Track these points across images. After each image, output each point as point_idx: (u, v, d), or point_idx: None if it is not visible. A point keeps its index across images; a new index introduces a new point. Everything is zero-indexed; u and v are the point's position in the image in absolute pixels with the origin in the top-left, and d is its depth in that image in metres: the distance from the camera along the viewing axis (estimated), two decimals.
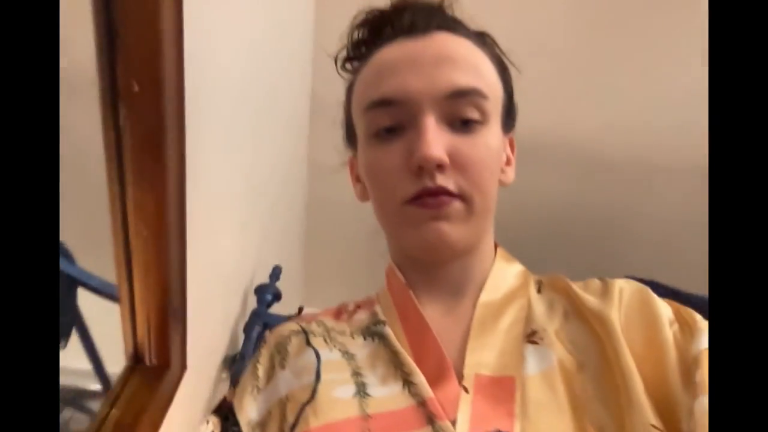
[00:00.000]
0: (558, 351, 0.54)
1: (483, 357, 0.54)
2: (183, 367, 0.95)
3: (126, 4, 0.59)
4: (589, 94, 2.13)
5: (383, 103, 0.56)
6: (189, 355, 0.98)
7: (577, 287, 0.61)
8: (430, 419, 0.50)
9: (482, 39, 0.62)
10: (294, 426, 0.53)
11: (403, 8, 0.61)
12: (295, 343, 0.62)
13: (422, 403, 0.51)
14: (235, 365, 1.46)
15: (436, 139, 0.53)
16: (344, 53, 0.66)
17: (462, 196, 0.55)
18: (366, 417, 0.52)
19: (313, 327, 0.64)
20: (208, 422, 0.60)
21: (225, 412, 0.60)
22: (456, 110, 0.55)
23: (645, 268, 1.79)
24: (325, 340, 0.61)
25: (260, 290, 1.61)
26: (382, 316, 0.61)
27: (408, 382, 0.54)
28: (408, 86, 0.55)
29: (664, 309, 0.56)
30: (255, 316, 1.56)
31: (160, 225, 0.73)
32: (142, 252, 0.74)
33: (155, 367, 0.86)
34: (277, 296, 1.63)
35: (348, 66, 0.67)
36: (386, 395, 0.53)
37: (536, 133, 2.19)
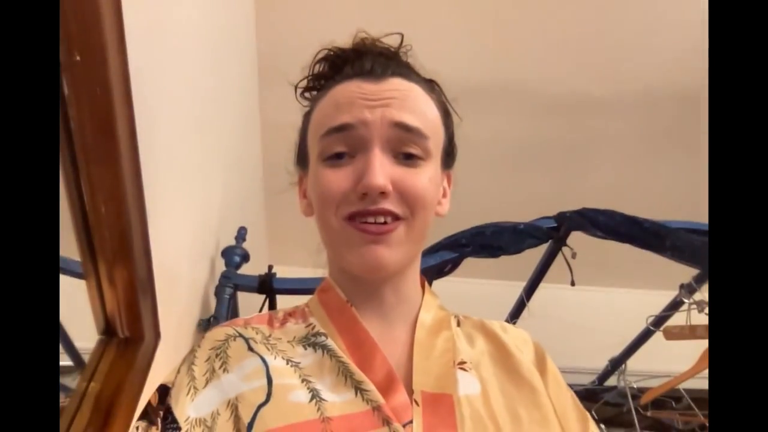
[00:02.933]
0: (481, 384, 0.63)
1: (426, 376, 0.61)
2: (156, 336, 0.96)
3: None
4: (541, 37, 2.13)
5: (339, 130, 0.62)
6: (162, 325, 0.98)
7: (497, 329, 0.71)
8: (386, 422, 0.55)
9: (431, 86, 0.70)
10: (251, 426, 0.55)
11: (364, 53, 0.68)
12: (234, 347, 0.63)
13: (377, 408, 0.57)
14: (209, 328, 1.47)
15: (382, 170, 0.60)
16: (304, 83, 0.73)
17: (404, 219, 0.62)
18: (325, 419, 0.55)
19: (251, 333, 0.65)
20: (137, 429, 0.60)
21: (152, 416, 0.61)
22: (401, 145, 0.62)
23: (602, 195, 1.85)
24: (267, 348, 0.63)
25: (227, 252, 1.61)
26: (320, 329, 0.65)
27: (360, 390, 0.58)
28: (363, 118, 0.62)
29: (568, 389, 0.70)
30: (225, 278, 1.57)
31: (118, 200, 0.72)
32: (101, 228, 0.73)
33: (128, 340, 0.87)
34: (245, 257, 1.63)
35: (307, 95, 0.73)
36: (341, 401, 0.57)
37: (497, 78, 2.21)
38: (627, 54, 2.16)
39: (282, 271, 1.64)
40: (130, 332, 0.86)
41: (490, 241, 1.61)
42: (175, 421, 0.58)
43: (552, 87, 2.24)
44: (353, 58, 0.68)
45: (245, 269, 1.63)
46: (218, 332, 0.66)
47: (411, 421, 0.56)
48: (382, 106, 0.62)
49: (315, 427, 0.55)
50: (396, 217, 0.61)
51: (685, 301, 1.78)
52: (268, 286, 1.57)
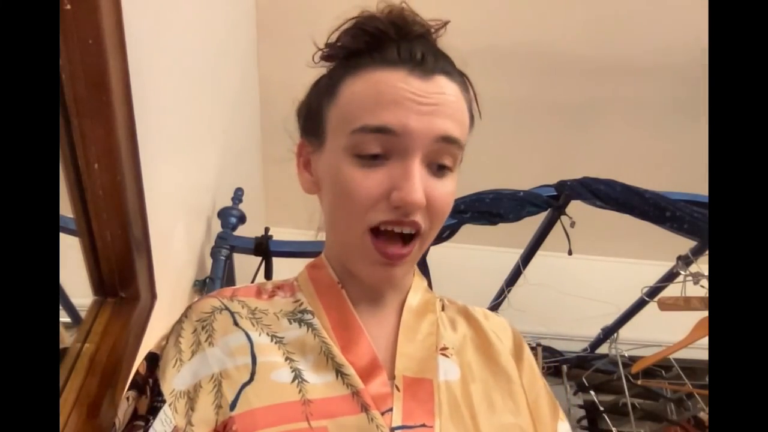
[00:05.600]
0: (461, 371, 0.63)
1: (409, 361, 0.61)
2: (152, 297, 0.94)
3: None
4: None
5: (380, 131, 0.57)
6: (158, 285, 0.97)
7: (479, 316, 0.72)
8: (364, 408, 0.55)
9: (464, 84, 0.65)
10: (234, 404, 0.56)
11: (411, 38, 0.61)
12: (220, 320, 0.63)
13: (356, 393, 0.57)
14: (205, 289, 1.47)
15: (420, 184, 0.57)
16: (327, 50, 0.66)
17: (422, 233, 0.60)
18: (306, 402, 0.56)
19: (237, 307, 0.65)
20: (128, 399, 0.61)
21: (141, 386, 0.62)
22: (437, 156, 0.59)
23: (604, 164, 1.83)
24: (252, 323, 0.63)
25: (224, 213, 1.60)
26: (307, 306, 0.65)
27: (341, 374, 0.58)
28: (409, 124, 0.57)
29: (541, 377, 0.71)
30: (221, 239, 1.55)
31: (111, 156, 0.70)
32: (94, 185, 0.71)
33: (124, 300, 0.86)
34: (242, 219, 1.62)
35: (328, 60, 0.66)
36: (322, 383, 0.58)
37: (502, 39, 2.16)
38: (636, 19, 2.11)
39: (278, 233, 1.63)
40: (125, 292, 0.85)
41: (489, 207, 1.60)
42: (160, 393, 0.58)
43: (559, 50, 2.20)
44: (397, 39, 0.60)
45: (241, 230, 1.62)
46: (204, 304, 0.66)
47: (391, 409, 0.56)
48: (430, 113, 0.57)
49: (296, 409, 0.55)
50: (415, 233, 0.60)
51: (681, 272, 1.78)
52: (264, 248, 1.56)
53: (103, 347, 0.76)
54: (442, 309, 0.71)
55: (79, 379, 0.70)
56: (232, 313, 0.64)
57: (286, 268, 1.61)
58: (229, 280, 1.62)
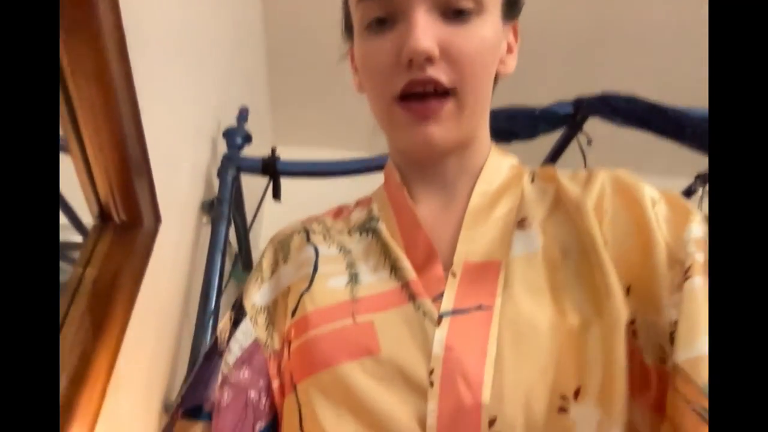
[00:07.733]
0: (543, 238, 0.56)
1: (473, 245, 0.57)
2: (156, 220, 0.93)
3: None
4: None
5: None
6: (162, 207, 0.95)
7: (564, 177, 0.61)
8: (412, 297, 0.54)
9: None
10: (294, 312, 0.58)
11: None
12: (296, 240, 0.66)
13: (406, 285, 0.55)
14: (213, 209, 1.46)
15: (426, 32, 0.53)
16: None
17: (453, 91, 0.55)
18: (354, 300, 0.56)
19: (314, 226, 0.67)
20: (230, 318, 0.65)
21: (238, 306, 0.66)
22: (449, 1, 0.54)
23: (625, 80, 1.75)
24: (324, 237, 0.65)
25: (229, 134, 1.56)
26: (377, 213, 0.64)
27: (395, 268, 0.57)
28: None
29: (648, 190, 0.57)
30: (227, 160, 1.53)
31: (102, 76, 0.65)
32: (85, 108, 0.67)
33: (126, 224, 0.84)
34: (247, 138, 1.58)
35: None
36: (374, 281, 0.57)
37: None
38: None
39: (287, 152, 1.60)
40: (126, 217, 0.83)
41: (504, 125, 1.54)
42: (242, 308, 0.62)
43: None
44: None
45: (249, 149, 1.59)
46: (287, 227, 0.69)
47: (442, 294, 0.53)
48: None
49: (344, 308, 0.55)
50: (444, 91, 0.55)
51: (700, 190, 1.74)
52: (271, 168, 1.53)
53: (106, 272, 0.75)
54: (532, 181, 0.63)
55: (83, 303, 0.70)
56: (307, 232, 0.66)
57: (294, 188, 1.59)
58: (237, 200, 1.61)
